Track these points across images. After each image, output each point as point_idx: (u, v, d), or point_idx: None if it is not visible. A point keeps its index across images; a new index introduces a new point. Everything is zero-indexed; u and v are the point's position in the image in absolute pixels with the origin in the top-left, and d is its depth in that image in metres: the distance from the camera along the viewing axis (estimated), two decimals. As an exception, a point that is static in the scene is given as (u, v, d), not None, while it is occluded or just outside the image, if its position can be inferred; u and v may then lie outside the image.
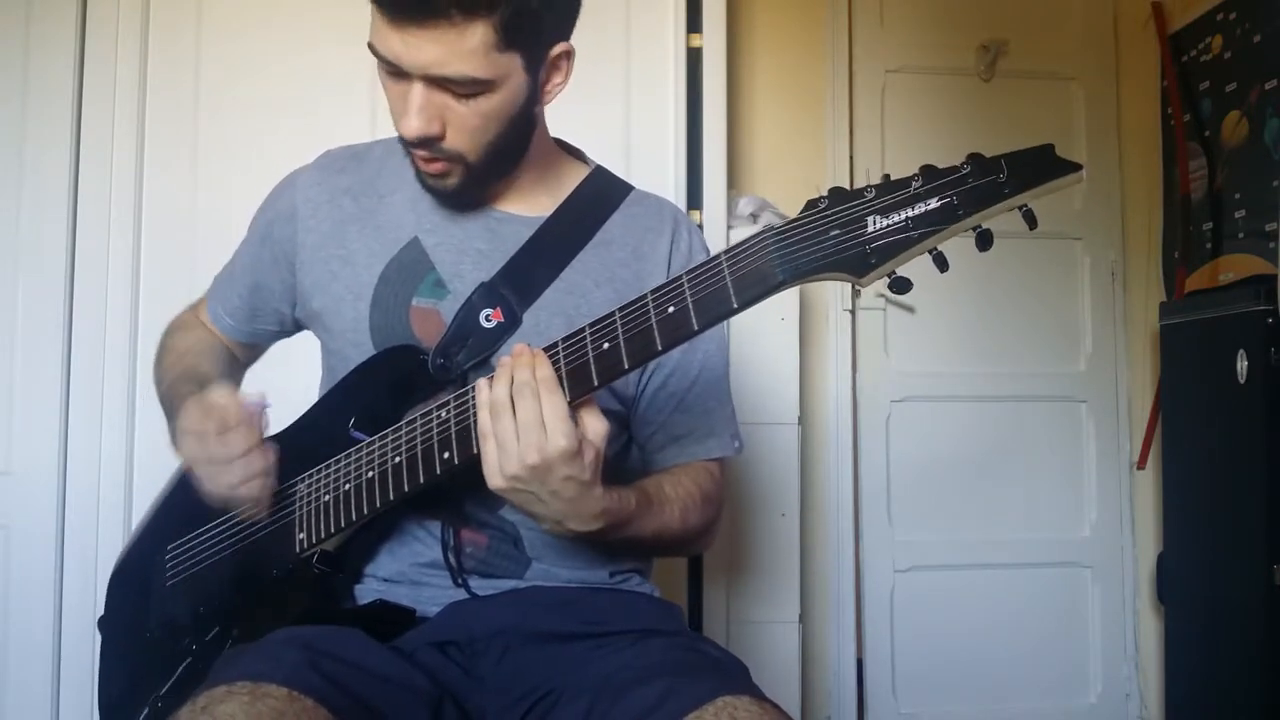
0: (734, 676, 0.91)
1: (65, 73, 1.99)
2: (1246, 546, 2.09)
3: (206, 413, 0.98)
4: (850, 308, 2.57)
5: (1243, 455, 2.11)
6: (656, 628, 1.03)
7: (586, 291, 1.09)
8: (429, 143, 0.98)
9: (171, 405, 1.11)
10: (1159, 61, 2.60)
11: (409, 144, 1.00)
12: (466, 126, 0.98)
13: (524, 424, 0.86)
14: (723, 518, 1.15)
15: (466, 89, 0.96)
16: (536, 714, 0.97)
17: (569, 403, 0.88)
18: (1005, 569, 2.62)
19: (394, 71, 0.96)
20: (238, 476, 0.98)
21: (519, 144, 1.05)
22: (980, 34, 2.65)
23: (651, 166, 2.07)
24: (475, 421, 0.91)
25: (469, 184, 1.04)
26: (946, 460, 2.61)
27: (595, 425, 0.89)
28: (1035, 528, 2.65)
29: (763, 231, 0.82)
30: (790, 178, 2.54)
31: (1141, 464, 2.61)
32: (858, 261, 0.79)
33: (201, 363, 1.19)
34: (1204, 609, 2.26)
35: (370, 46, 0.96)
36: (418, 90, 0.95)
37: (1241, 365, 2.10)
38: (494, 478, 0.88)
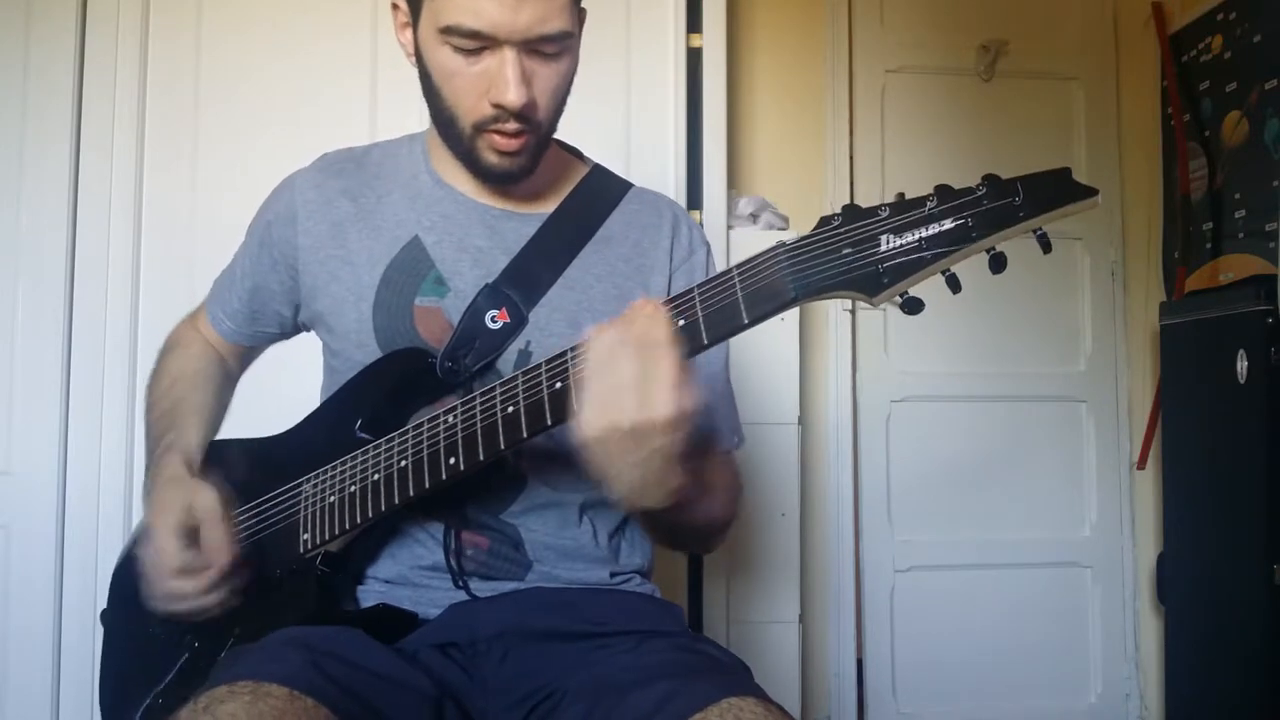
0: (737, 677, 0.91)
1: (65, 73, 1.99)
2: (1246, 546, 2.09)
3: (175, 548, 0.99)
4: (850, 308, 2.57)
5: (1243, 455, 2.11)
6: (657, 628, 1.03)
7: (588, 287, 1.09)
8: (525, 114, 0.99)
9: (153, 450, 1.12)
10: (1159, 61, 2.60)
11: (501, 118, 0.99)
12: (549, 89, 1.00)
13: (627, 382, 0.80)
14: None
15: (557, 46, 0.98)
16: (538, 715, 0.96)
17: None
18: (1005, 569, 2.62)
19: (472, 49, 0.97)
20: (186, 608, 1.01)
21: (560, 117, 1.06)
22: (980, 34, 2.65)
23: (651, 166, 2.08)
24: (483, 431, 0.90)
25: (533, 162, 1.05)
26: (946, 460, 2.61)
27: (690, 400, 0.82)
28: (1035, 528, 2.65)
29: (775, 247, 0.82)
30: (790, 178, 2.54)
31: (1141, 464, 2.61)
32: (870, 280, 0.78)
33: (190, 394, 1.18)
34: (1204, 609, 2.26)
35: (447, 30, 0.96)
36: (512, 58, 0.96)
37: (1241, 365, 2.11)
38: (586, 427, 0.82)
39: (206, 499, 1.01)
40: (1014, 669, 2.60)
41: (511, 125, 1.00)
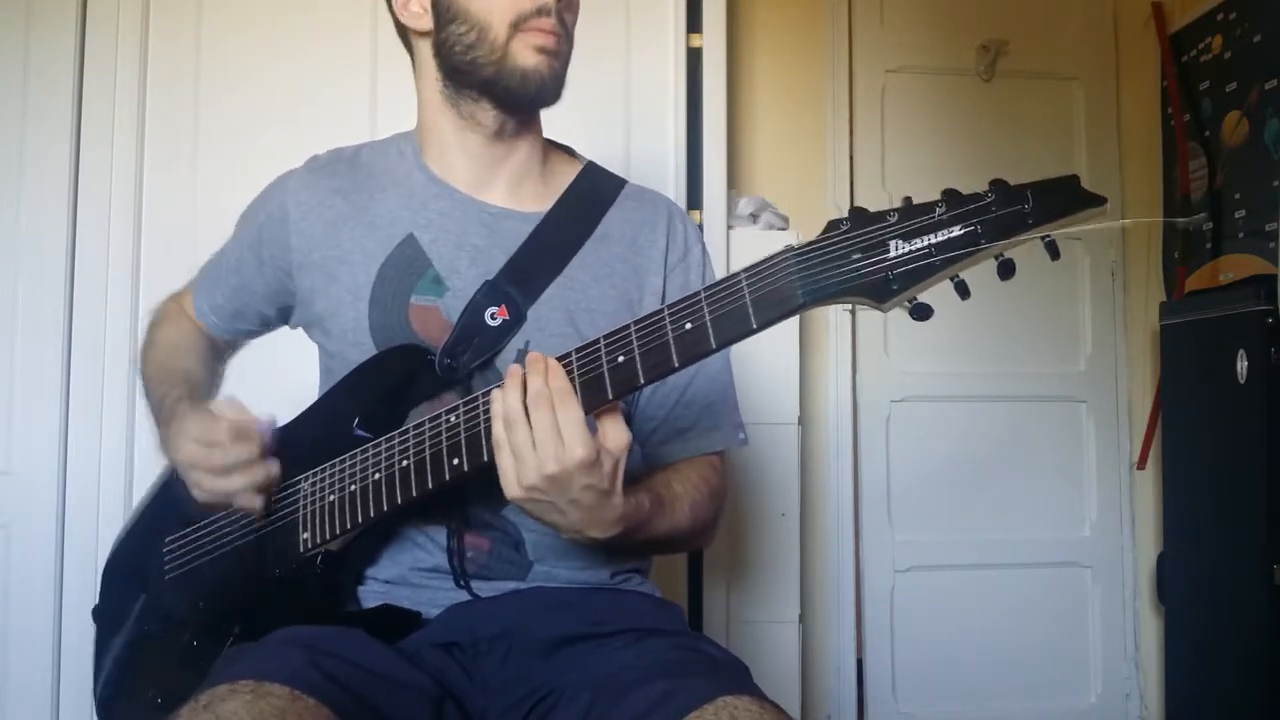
0: (734, 676, 0.91)
1: (65, 73, 1.98)
2: (1246, 546, 2.09)
3: (216, 420, 0.99)
4: (850, 308, 2.57)
5: (1243, 455, 2.11)
6: (656, 628, 1.03)
7: (585, 286, 1.09)
8: (561, 14, 1.04)
9: (162, 409, 1.11)
10: (1159, 61, 2.60)
11: (544, 9, 1.02)
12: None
13: (540, 434, 0.84)
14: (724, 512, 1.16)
15: None
16: (537, 714, 0.96)
17: (587, 412, 0.86)
18: (1005, 569, 2.62)
19: None
20: (238, 485, 0.99)
21: (570, 52, 1.09)
22: (980, 34, 2.65)
23: (651, 166, 2.07)
24: (486, 432, 0.90)
25: (562, 71, 1.07)
26: (946, 460, 2.61)
27: (616, 435, 0.87)
28: (1035, 528, 2.65)
29: (783, 251, 0.81)
30: (790, 177, 2.54)
31: (1141, 464, 2.61)
32: (879, 286, 0.78)
33: (187, 361, 1.19)
34: (1204, 609, 2.26)
35: None
36: None
37: (1241, 365, 2.11)
38: (511, 488, 0.87)
39: (225, 405, 1.01)
40: (1014, 669, 2.60)
41: (550, 20, 1.02)
